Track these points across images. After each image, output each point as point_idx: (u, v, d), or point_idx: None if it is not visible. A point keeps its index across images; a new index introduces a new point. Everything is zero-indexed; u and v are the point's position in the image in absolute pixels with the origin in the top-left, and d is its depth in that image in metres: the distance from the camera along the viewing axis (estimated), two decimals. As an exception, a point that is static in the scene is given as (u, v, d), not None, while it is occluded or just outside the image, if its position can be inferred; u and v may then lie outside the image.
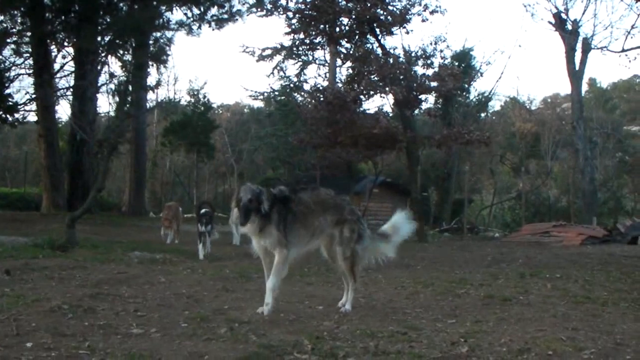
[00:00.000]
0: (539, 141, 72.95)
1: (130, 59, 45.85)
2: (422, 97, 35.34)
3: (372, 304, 11.16)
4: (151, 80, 49.73)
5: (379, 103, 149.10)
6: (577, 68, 48.87)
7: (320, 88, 38.83)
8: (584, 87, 71.19)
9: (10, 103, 41.01)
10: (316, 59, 59.73)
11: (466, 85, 59.03)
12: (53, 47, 45.57)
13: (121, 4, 43.93)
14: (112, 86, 46.40)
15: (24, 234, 23.32)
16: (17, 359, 6.86)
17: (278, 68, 60.28)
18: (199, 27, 49.46)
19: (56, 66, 46.96)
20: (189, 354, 7.26)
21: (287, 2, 37.90)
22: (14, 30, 43.19)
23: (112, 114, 51.02)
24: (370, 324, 9.20)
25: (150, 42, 46.72)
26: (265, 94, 63.01)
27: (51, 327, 8.33)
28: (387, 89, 33.13)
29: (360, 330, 8.76)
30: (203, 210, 21.33)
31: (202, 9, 48.01)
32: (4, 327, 8.24)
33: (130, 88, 40.52)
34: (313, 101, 37.69)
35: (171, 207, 26.60)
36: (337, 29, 34.80)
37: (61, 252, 18.18)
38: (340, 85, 43.95)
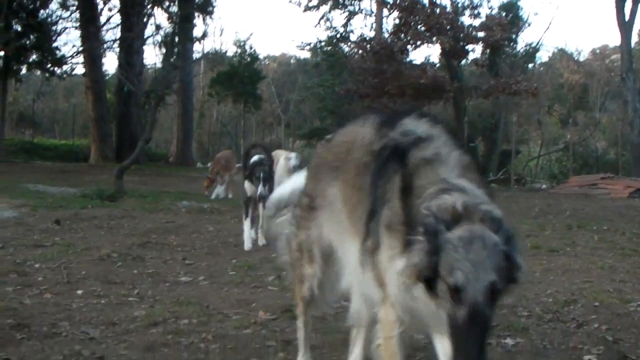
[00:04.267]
0: (587, 93, 72.15)
1: (176, 11, 45.75)
2: (469, 47, 35.14)
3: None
4: (197, 32, 49.71)
5: (425, 53, 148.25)
6: (627, 18, 47.97)
7: (367, 38, 38.77)
8: (634, 39, 70.02)
9: (58, 56, 41.27)
10: (362, 9, 59.32)
11: (514, 36, 58.34)
12: (99, -1, 45.71)
13: (167, -45, 43.80)
14: (159, 38, 46.43)
15: (73, 185, 23.49)
16: (68, 305, 6.97)
17: (324, 18, 59.94)
18: (246, -23, 49.27)
19: (102, 19, 47.13)
20: (237, 302, 7.34)
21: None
22: (61, -17, 43.30)
23: (159, 65, 51.08)
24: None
25: (196, -7, 46.59)
26: (312, 45, 62.72)
27: (101, 275, 8.45)
28: (433, 39, 32.92)
29: (407, 279, 8.76)
30: (256, 158, 12.62)
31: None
32: (55, 275, 8.37)
33: (176, 39, 40.54)
34: (360, 51, 37.64)
35: (218, 160, 23.15)
36: (384, -22, 34.59)
37: (110, 202, 18.33)
38: (386, 35, 43.74)
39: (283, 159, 16.85)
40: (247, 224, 12.15)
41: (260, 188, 11.99)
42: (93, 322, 6.42)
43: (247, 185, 12.61)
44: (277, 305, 7.17)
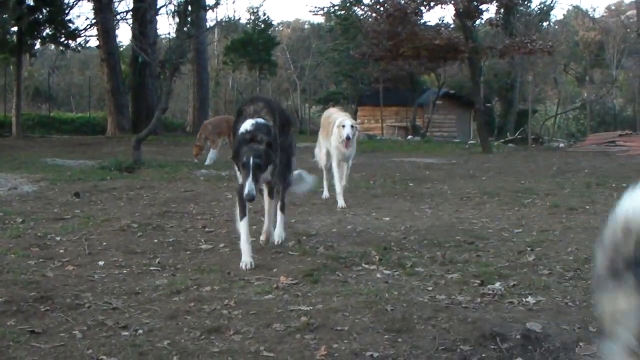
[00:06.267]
0: (603, 50, 71.73)
1: (188, -21, 45.67)
2: (483, 7, 34.94)
3: (439, 215, 11.19)
4: (210, 0, 49.46)
5: (439, 14, 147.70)
6: (642, -28, 47.75)
7: (380, 1, 38.55)
8: (650, -7, 69.74)
9: (71, 29, 41.25)
10: (375, -29, 59.14)
11: (527, -6, 58.22)
12: (111, -30, 45.57)
13: None
14: (172, 7, 46.34)
15: (91, 157, 23.59)
16: (90, 277, 7.03)
17: (337, -18, 59.81)
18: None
19: (115, -11, 47.05)
20: (258, 267, 7.38)
21: None
22: (73, -46, 43.21)
23: (172, 35, 51.09)
24: (437, 234, 9.24)
25: (208, -40, 46.40)
26: (325, 9, 62.51)
27: (122, 246, 8.50)
28: (447, -1, 32.81)
29: (427, 240, 8.81)
30: (248, 126, 7.97)
31: None
32: (76, 247, 8.42)
33: (189, 8, 40.48)
34: (374, 14, 37.53)
35: (205, 126, 22.91)
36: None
37: (128, 173, 18.40)
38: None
39: (336, 126, 12.89)
40: (243, 226, 7.98)
41: (247, 184, 7.48)
42: (115, 292, 6.47)
43: (236, 170, 8.28)
44: (298, 270, 7.20)
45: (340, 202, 12.50)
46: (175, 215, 10.93)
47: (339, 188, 12.76)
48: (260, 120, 8.03)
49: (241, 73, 66.24)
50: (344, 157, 13.09)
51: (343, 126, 12.66)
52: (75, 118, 51.94)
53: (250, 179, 7.45)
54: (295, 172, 9.46)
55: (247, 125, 7.93)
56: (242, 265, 7.48)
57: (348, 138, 12.58)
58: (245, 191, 7.44)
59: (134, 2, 44.97)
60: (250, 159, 7.50)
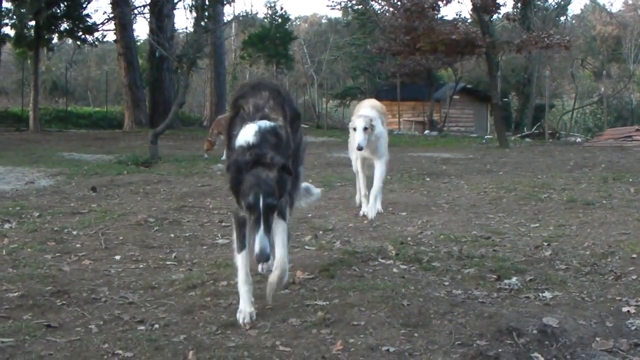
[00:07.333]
0: (620, 44, 71.57)
1: (205, -27, 45.60)
2: (500, 1, 34.82)
3: (455, 210, 11.14)
4: (227, -6, 49.39)
5: (456, 9, 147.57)
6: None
7: (398, -5, 38.52)
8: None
9: (89, 23, 41.28)
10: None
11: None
12: (129, -36, 45.55)
13: None
14: (189, 1, 46.30)
15: (107, 151, 23.65)
16: (107, 271, 7.04)
17: (355, -24, 59.80)
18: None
19: (132, -16, 47.05)
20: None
21: None
22: (90, -52, 43.22)
23: (190, 29, 51.11)
24: (454, 229, 9.22)
25: (226, -46, 46.31)
26: (343, 4, 62.56)
27: (138, 240, 8.51)
28: (464, -6, 32.77)
29: (444, 235, 8.78)
30: (250, 137, 5.46)
31: None
32: (92, 241, 8.44)
33: (207, 2, 40.49)
34: (391, 9, 37.49)
35: (219, 121, 22.16)
36: None
37: (145, 167, 18.45)
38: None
39: (350, 128, 10.70)
40: (240, 262, 5.89)
41: (259, 239, 5.09)
42: (132, 287, 6.47)
43: (235, 195, 5.61)
44: (314, 265, 7.23)
45: (364, 209, 10.57)
46: (192, 210, 10.95)
47: (364, 190, 10.83)
48: (265, 124, 5.60)
49: (258, 67, 66.28)
50: (369, 155, 10.68)
51: (354, 129, 10.27)
52: (93, 112, 51.96)
53: (262, 230, 5.09)
54: (302, 185, 7.32)
55: (248, 134, 5.51)
56: (240, 319, 5.51)
57: (360, 149, 10.10)
58: (257, 250, 5.07)
59: (151, -4, 45.00)
60: (260, 200, 5.13)
